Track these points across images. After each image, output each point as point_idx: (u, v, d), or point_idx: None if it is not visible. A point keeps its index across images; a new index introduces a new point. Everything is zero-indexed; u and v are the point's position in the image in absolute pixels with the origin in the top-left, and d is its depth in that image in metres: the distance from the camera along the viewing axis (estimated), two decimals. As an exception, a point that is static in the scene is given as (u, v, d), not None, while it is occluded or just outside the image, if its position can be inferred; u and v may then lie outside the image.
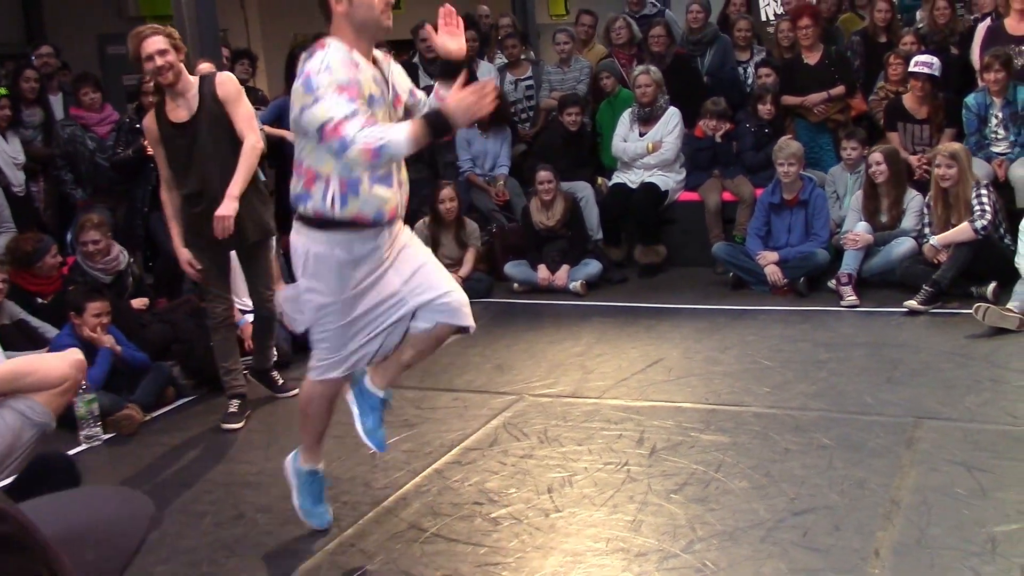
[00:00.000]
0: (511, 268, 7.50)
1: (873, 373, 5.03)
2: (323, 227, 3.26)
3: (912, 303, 5.97)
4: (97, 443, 4.90)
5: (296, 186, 3.30)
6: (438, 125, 3.06)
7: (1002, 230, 6.18)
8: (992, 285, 5.98)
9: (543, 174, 7.32)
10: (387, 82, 3.29)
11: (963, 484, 3.68)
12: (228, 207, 4.61)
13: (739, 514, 3.59)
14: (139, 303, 6.08)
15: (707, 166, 7.74)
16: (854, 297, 6.26)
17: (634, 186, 7.67)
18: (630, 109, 7.82)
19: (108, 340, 5.21)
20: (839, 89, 7.63)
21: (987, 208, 6.03)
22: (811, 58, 7.73)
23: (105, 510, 1.59)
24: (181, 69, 4.65)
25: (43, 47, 8.11)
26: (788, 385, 4.95)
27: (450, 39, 3.34)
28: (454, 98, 3.08)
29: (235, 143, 4.68)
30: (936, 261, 6.16)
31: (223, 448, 4.80)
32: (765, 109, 7.56)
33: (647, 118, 7.72)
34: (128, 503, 1.65)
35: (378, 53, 3.32)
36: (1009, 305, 5.57)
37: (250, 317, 6.01)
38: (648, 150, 7.68)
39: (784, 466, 3.98)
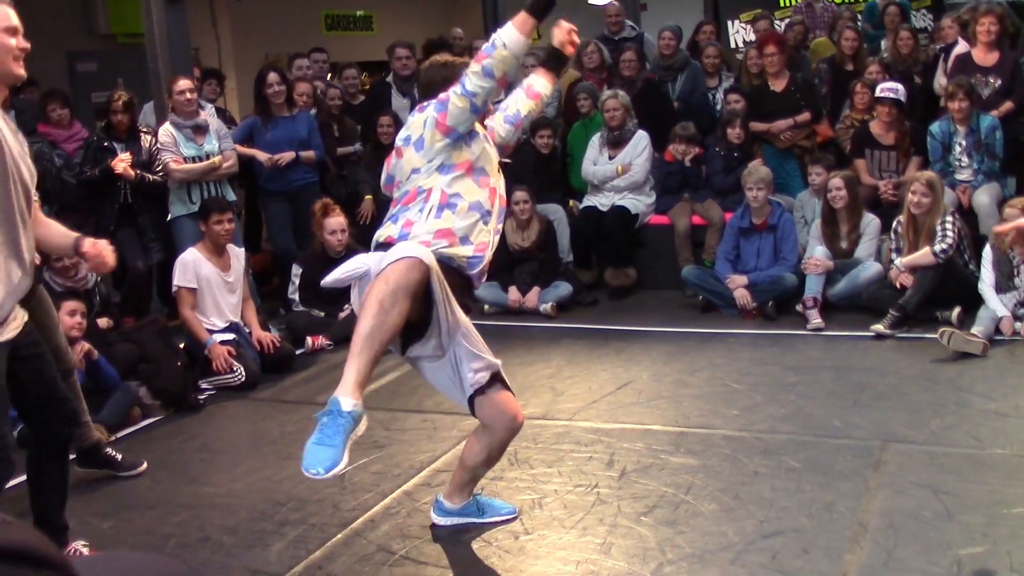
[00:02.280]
0: (481, 290, 7.44)
1: (840, 396, 5.07)
2: None
3: (879, 327, 6.04)
4: (60, 464, 4.83)
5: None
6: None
7: (966, 256, 6.27)
8: (957, 310, 6.06)
9: (519, 194, 7.28)
10: None
11: (929, 507, 3.71)
12: None
13: (708, 537, 3.60)
14: (104, 322, 6.01)
15: (677, 190, 7.80)
16: (819, 320, 6.32)
17: (605, 209, 7.71)
18: (599, 133, 7.86)
19: (83, 345, 5.12)
20: (804, 116, 7.72)
21: (949, 233, 6.12)
22: (777, 85, 7.82)
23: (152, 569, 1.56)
24: None
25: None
26: (757, 408, 4.97)
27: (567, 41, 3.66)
28: None
29: None
30: (899, 285, 6.24)
31: (189, 469, 4.74)
32: (734, 133, 7.63)
33: (616, 141, 7.76)
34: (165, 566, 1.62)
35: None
36: (973, 330, 5.65)
37: (219, 336, 5.98)
38: (618, 172, 7.72)
39: (753, 489, 3.99)
